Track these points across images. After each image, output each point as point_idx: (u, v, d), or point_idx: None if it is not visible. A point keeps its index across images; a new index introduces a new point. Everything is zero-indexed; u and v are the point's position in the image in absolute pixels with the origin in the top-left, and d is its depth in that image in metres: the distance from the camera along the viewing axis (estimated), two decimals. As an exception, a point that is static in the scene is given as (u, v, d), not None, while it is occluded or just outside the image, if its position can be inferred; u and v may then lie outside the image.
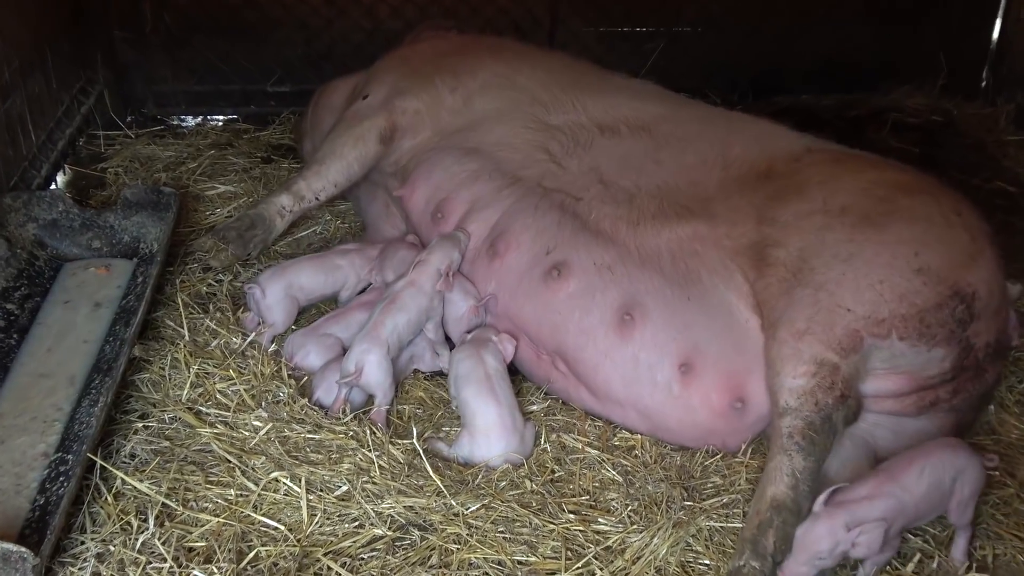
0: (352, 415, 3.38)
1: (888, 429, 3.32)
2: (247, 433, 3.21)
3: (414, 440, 3.28)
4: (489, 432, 3.25)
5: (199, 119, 5.67)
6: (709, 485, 3.27)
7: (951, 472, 2.87)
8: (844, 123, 6.03)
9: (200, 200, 4.67)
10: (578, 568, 2.85)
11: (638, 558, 2.91)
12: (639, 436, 3.43)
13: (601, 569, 2.85)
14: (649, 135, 3.79)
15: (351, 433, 3.28)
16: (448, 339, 3.73)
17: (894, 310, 3.04)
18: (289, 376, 3.49)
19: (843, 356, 3.04)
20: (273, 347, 3.64)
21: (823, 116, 6.04)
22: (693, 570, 2.92)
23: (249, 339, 3.62)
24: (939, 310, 3.06)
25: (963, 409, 3.32)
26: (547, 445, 3.38)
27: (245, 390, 3.38)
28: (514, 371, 3.67)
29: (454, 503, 3.03)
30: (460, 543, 2.89)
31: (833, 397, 3.04)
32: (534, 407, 3.61)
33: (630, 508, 3.12)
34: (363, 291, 3.93)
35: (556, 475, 3.25)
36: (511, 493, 3.13)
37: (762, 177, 3.47)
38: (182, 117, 5.66)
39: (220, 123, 5.65)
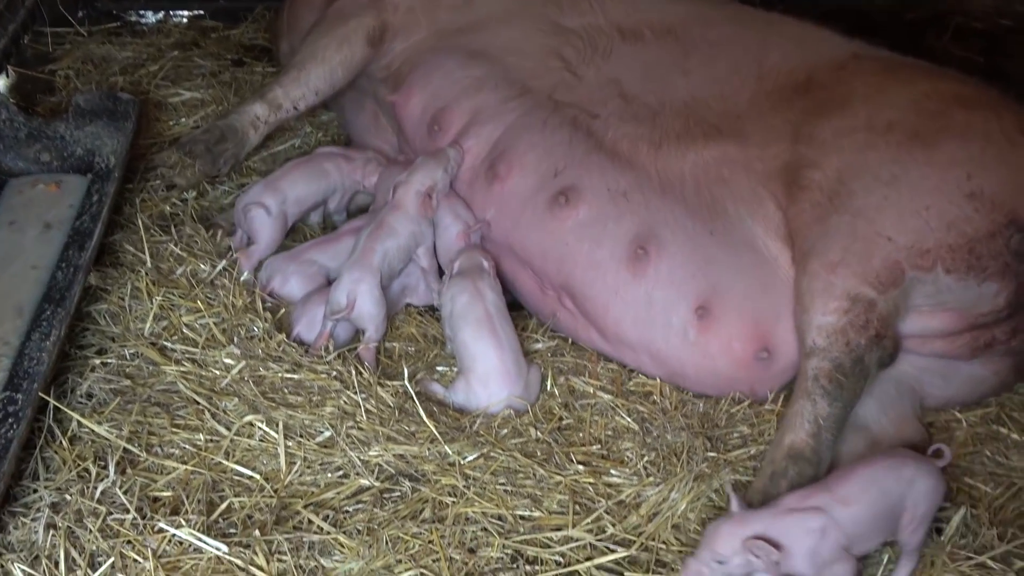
0: (336, 353, 3.42)
1: (938, 374, 3.38)
2: (217, 372, 3.24)
3: (405, 381, 3.32)
4: (489, 378, 3.30)
5: (160, 15, 5.56)
6: (735, 435, 3.32)
7: (900, 486, 2.78)
8: (900, 27, 5.94)
9: (162, 108, 4.64)
10: (587, 524, 2.90)
11: (655, 514, 2.96)
12: (657, 380, 3.49)
13: (613, 525, 2.91)
14: (676, 40, 3.77)
15: (334, 373, 3.31)
16: (442, 270, 3.76)
17: (941, 239, 3.05)
18: (265, 309, 3.51)
19: (881, 291, 3.06)
20: (245, 276, 3.66)
21: (876, 19, 5.93)
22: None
23: (220, 267, 3.62)
24: (992, 240, 3.06)
25: (1022, 352, 3.36)
26: (554, 389, 3.43)
27: (215, 324, 3.39)
28: (515, 306, 3.73)
29: (449, 451, 3.06)
30: (456, 496, 2.94)
31: (867, 337, 3.05)
32: (539, 346, 3.66)
33: (646, 459, 3.16)
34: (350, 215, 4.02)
35: (564, 422, 3.31)
36: (513, 441, 3.17)
37: (801, 89, 3.47)
38: (141, 12, 5.55)
39: (184, 20, 5.58)
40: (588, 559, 2.82)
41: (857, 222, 3.11)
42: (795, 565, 2.66)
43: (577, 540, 2.87)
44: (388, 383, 3.32)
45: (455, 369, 3.45)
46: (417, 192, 3.62)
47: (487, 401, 3.28)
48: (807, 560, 2.66)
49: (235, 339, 3.36)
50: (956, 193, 3.07)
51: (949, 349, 3.27)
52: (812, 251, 3.15)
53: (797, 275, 3.19)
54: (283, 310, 3.58)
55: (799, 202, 3.26)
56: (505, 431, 3.22)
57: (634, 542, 2.90)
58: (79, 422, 2.98)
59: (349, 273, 3.41)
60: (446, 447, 3.08)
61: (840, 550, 2.70)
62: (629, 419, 3.33)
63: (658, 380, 3.48)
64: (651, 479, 3.08)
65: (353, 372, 3.29)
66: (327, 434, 3.09)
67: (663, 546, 2.90)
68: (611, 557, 2.84)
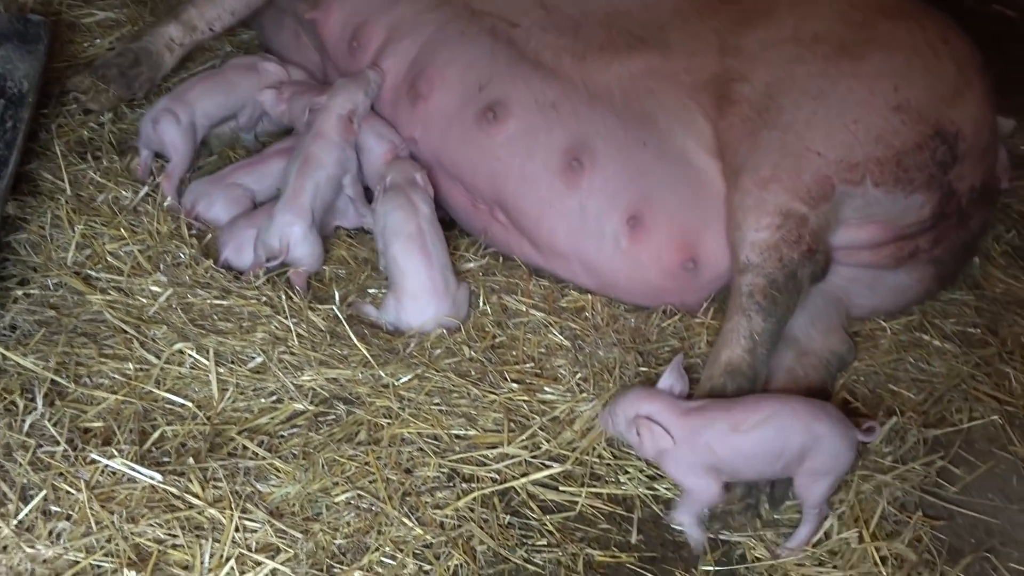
0: (265, 277, 3.39)
1: (864, 284, 3.45)
2: (144, 300, 3.21)
3: (336, 305, 3.34)
4: (418, 295, 3.31)
5: (69, -69, 5.40)
6: (666, 349, 3.38)
7: (803, 436, 2.71)
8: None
9: (75, 29, 4.47)
10: (522, 441, 2.95)
11: (588, 429, 3.01)
12: (589, 296, 3.52)
13: (548, 441, 2.96)
14: None
15: (264, 298, 3.30)
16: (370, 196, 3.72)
17: (869, 153, 3.08)
18: (191, 235, 3.49)
19: (812, 206, 3.09)
20: (169, 201, 3.62)
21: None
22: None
23: (142, 193, 3.58)
24: (919, 152, 3.11)
25: (945, 260, 3.46)
26: (487, 307, 3.46)
27: (140, 251, 3.36)
28: (447, 223, 3.72)
29: (383, 374, 3.08)
30: (391, 417, 2.96)
31: (799, 252, 3.09)
32: (471, 265, 3.69)
33: (579, 375, 3.20)
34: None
35: (497, 340, 3.34)
36: (447, 362, 3.20)
37: (726, -3, 3.43)
38: (48, -71, 5.37)
39: (95, -65, 5.45)
40: (523, 475, 2.87)
41: (787, 137, 3.12)
42: (665, 462, 2.76)
43: (512, 457, 2.91)
44: (319, 307, 3.32)
45: (386, 291, 3.45)
46: (339, 116, 3.58)
47: (417, 318, 3.29)
48: (672, 461, 2.75)
49: (161, 266, 3.33)
50: (883, 106, 3.10)
51: (875, 259, 3.33)
52: (743, 167, 3.16)
53: (729, 191, 3.20)
54: (209, 235, 3.56)
55: (729, 116, 3.27)
56: (438, 351, 3.24)
57: (568, 457, 2.94)
58: (3, 355, 2.93)
59: (281, 216, 3.37)
60: (379, 370, 3.09)
61: (707, 469, 2.74)
62: (562, 336, 3.36)
63: (590, 296, 3.51)
64: (584, 395, 3.12)
65: (283, 297, 3.29)
66: (259, 360, 3.08)
67: (597, 460, 2.95)
68: (546, 473, 2.89)
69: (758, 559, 2.79)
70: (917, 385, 3.40)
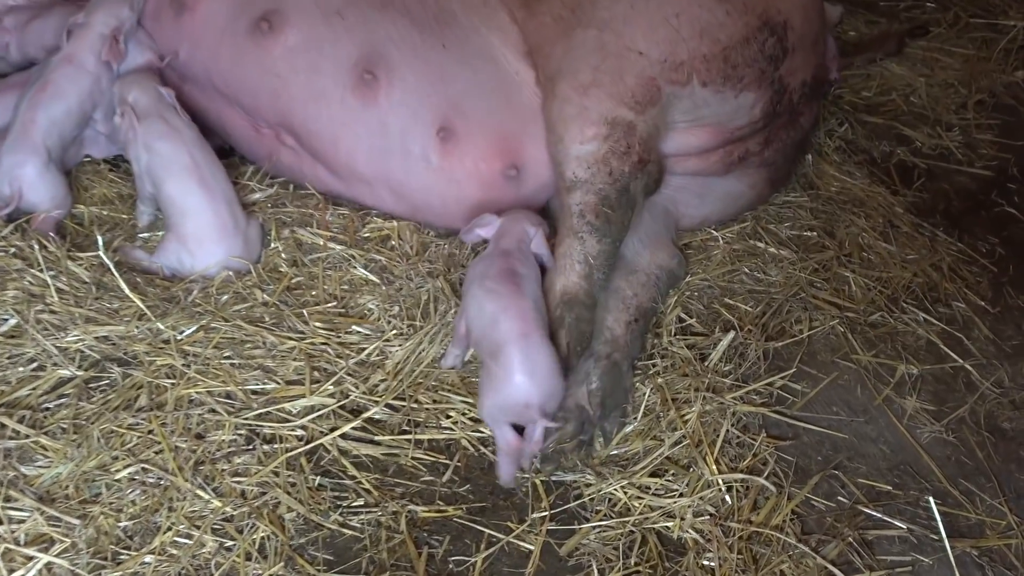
0: (12, 226, 3.25)
1: (692, 193, 3.51)
2: None
3: (100, 251, 3.24)
4: (204, 236, 3.23)
5: None
6: (485, 277, 3.38)
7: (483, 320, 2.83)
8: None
9: None
10: (328, 389, 2.93)
11: (401, 370, 3.02)
12: (395, 223, 3.50)
13: (356, 387, 2.96)
14: None
15: (13, 250, 3.19)
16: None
17: (694, 49, 3.11)
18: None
19: (639, 112, 3.12)
20: None
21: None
22: (473, 381, 3.02)
23: None
24: (746, 46, 3.16)
25: (776, 162, 3.55)
26: (278, 244, 3.40)
27: None
28: (225, 152, 3.64)
29: (162, 327, 3.03)
30: (175, 377, 2.92)
31: (630, 163, 3.11)
32: (257, 196, 3.62)
33: (389, 312, 3.20)
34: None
35: (294, 281, 3.31)
36: (237, 308, 3.16)
37: None
38: None
39: None
40: (333, 430, 2.86)
41: (605, 36, 3.13)
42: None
43: (319, 410, 2.89)
44: (80, 255, 3.24)
45: (161, 233, 3.37)
46: (100, 36, 3.45)
47: (203, 263, 3.22)
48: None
49: None
50: None
51: (704, 166, 3.38)
52: (560, 72, 3.16)
53: (546, 100, 3.21)
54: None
55: (538, 15, 3.28)
56: (226, 297, 3.20)
57: (380, 403, 2.95)
58: None
59: (8, 155, 3.23)
60: (158, 323, 3.04)
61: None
62: (366, 271, 3.35)
63: (396, 223, 3.50)
64: (396, 332, 3.13)
65: (36, 247, 3.18)
66: (12, 322, 2.98)
67: (416, 405, 2.96)
68: (355, 423, 2.88)
69: (593, 499, 2.82)
70: (754, 297, 3.48)
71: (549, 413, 2.72)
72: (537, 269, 3.04)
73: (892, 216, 3.92)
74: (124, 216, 3.51)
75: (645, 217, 3.41)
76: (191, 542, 2.54)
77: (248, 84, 3.47)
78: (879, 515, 2.85)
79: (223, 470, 2.71)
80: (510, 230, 3.10)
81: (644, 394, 3.06)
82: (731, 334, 3.26)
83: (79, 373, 2.90)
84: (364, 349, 3.08)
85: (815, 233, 3.74)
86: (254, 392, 2.92)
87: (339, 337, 3.11)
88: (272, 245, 3.40)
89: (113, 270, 3.16)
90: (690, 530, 2.74)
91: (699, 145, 3.30)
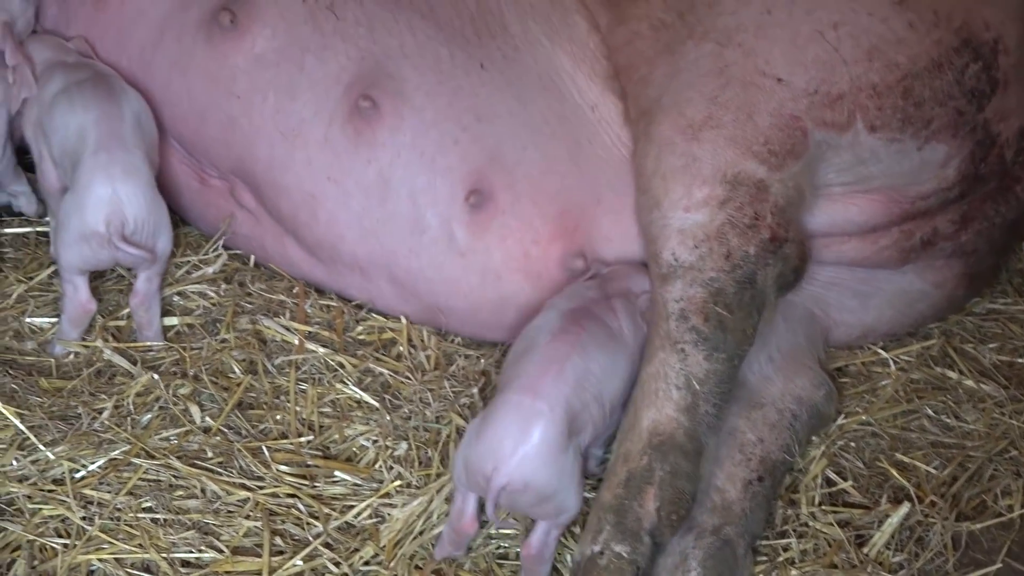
0: None
1: (850, 291, 3.34)
2: None
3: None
4: None
5: None
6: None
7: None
8: None
9: None
10: (295, 566, 2.72)
11: (405, 537, 2.83)
12: (404, 321, 3.38)
13: (337, 565, 2.74)
14: None
15: None
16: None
17: (859, 77, 2.93)
18: None
19: (774, 166, 2.91)
20: None
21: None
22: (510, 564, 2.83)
23: None
24: (937, 74, 2.95)
25: (978, 251, 3.32)
26: (229, 337, 3.28)
27: None
28: (175, 215, 3.54)
29: (51, 457, 2.85)
30: (69, 535, 2.72)
31: (758, 242, 2.89)
32: (205, 269, 3.51)
33: (391, 452, 3.03)
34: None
35: (249, 396, 3.16)
36: (165, 436, 2.97)
37: None
38: None
39: None
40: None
41: (727, 53, 2.97)
42: None
43: (280, 599, 2.83)
44: None
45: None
46: None
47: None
48: None
49: None
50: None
51: (869, 253, 3.21)
52: (659, 104, 3.01)
53: (638, 145, 3.07)
54: None
55: (630, 20, 3.13)
56: (149, 416, 3.03)
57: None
58: None
59: None
60: (47, 452, 2.87)
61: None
62: (359, 388, 3.17)
63: (404, 322, 3.38)
64: (399, 484, 2.95)
65: None
66: None
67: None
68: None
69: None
70: (940, 453, 3.23)
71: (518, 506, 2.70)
72: (635, 335, 2.96)
73: None
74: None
75: (779, 324, 3.22)
76: None
77: (193, 107, 3.39)
78: None
79: None
80: (607, 281, 3.08)
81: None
82: (904, 507, 2.99)
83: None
84: (351, 507, 2.89)
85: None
86: (185, 564, 2.72)
87: (314, 487, 2.93)
88: (221, 337, 3.30)
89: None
90: None
91: (863, 220, 3.13)
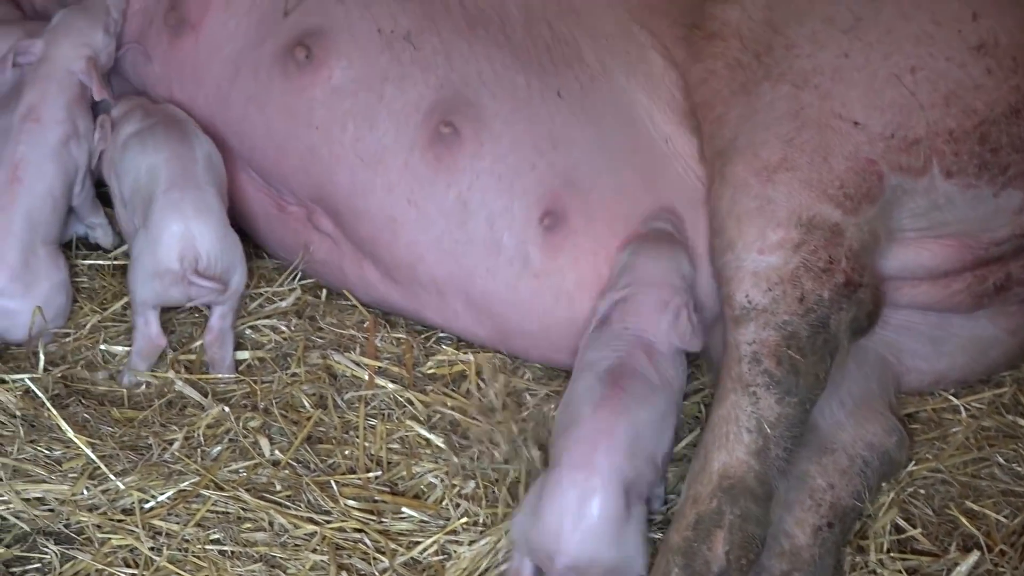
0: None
1: (923, 337, 3.32)
2: None
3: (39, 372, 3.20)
4: None
5: None
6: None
7: None
8: None
9: None
10: None
11: None
12: (473, 357, 3.40)
13: None
14: None
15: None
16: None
17: (936, 122, 2.91)
18: None
19: (849, 210, 2.91)
20: None
21: None
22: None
23: None
24: (1015, 119, 2.94)
25: None
26: (300, 371, 3.30)
27: None
28: (245, 238, 3.52)
29: (122, 487, 2.86)
30: (138, 566, 2.71)
31: (832, 286, 2.88)
32: (278, 303, 3.54)
33: (458, 490, 3.03)
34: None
35: (319, 431, 3.16)
36: (234, 468, 2.98)
37: None
38: None
39: None
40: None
41: (803, 96, 2.97)
42: None
43: (348, 634, 2.79)
44: (8, 377, 3.18)
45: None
46: (67, 73, 3.40)
47: None
48: None
49: None
50: (957, 44, 2.95)
51: (942, 297, 3.19)
52: (734, 145, 3.02)
53: (712, 185, 3.07)
54: None
55: (707, 58, 3.14)
56: (219, 448, 3.03)
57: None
58: None
59: None
60: (117, 481, 2.87)
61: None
62: (427, 427, 3.18)
63: (473, 357, 3.37)
64: (465, 521, 2.93)
65: None
66: None
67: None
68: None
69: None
70: (1011, 502, 3.18)
71: None
72: (676, 374, 2.98)
73: None
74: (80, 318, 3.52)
75: (851, 369, 3.18)
76: None
77: (272, 139, 3.41)
78: None
79: None
80: (625, 314, 3.02)
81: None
82: (974, 556, 2.95)
83: None
84: (417, 543, 2.87)
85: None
86: (247, 606, 2.81)
87: (381, 523, 2.92)
88: (291, 371, 3.30)
89: (45, 401, 3.04)
90: None
91: (937, 265, 3.11)
